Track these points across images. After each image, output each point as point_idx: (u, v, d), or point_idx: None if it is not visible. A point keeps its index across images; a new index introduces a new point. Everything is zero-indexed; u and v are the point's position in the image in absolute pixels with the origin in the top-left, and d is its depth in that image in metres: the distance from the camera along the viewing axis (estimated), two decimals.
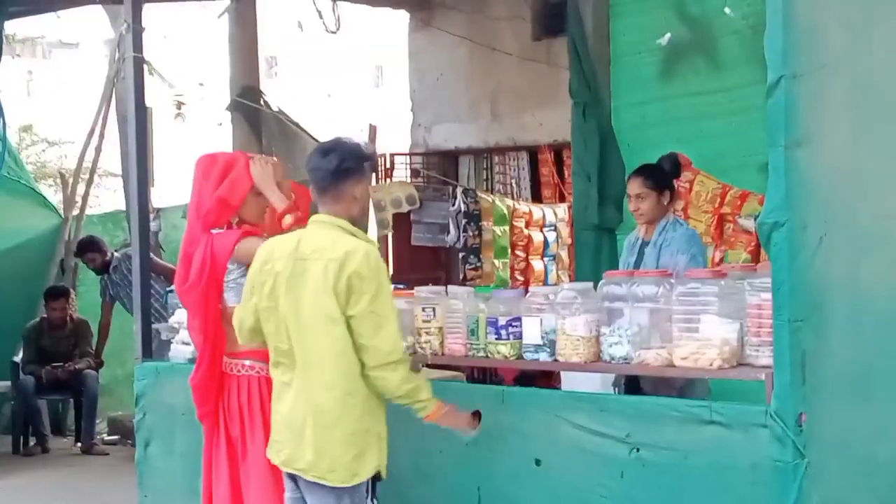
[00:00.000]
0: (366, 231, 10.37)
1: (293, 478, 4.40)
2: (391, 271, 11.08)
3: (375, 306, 4.16)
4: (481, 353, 4.71)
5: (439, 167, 11.80)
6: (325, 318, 4.19)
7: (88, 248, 10.30)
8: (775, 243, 3.68)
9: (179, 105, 13.79)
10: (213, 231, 4.98)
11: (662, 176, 5.82)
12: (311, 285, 4.22)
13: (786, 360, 3.68)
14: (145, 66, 6.59)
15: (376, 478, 4.30)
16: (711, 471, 3.94)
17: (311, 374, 4.26)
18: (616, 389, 5.71)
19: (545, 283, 11.10)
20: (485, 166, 12.01)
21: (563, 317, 4.44)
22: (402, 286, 5.36)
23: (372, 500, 4.32)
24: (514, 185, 11.98)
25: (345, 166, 4.33)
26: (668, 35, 7.21)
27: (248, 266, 4.57)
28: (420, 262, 11.16)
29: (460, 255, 11.09)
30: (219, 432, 5.06)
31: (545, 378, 8.06)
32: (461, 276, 10.90)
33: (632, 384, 5.55)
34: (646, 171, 5.84)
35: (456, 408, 4.41)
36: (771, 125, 3.70)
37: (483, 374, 7.57)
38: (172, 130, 12.44)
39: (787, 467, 3.68)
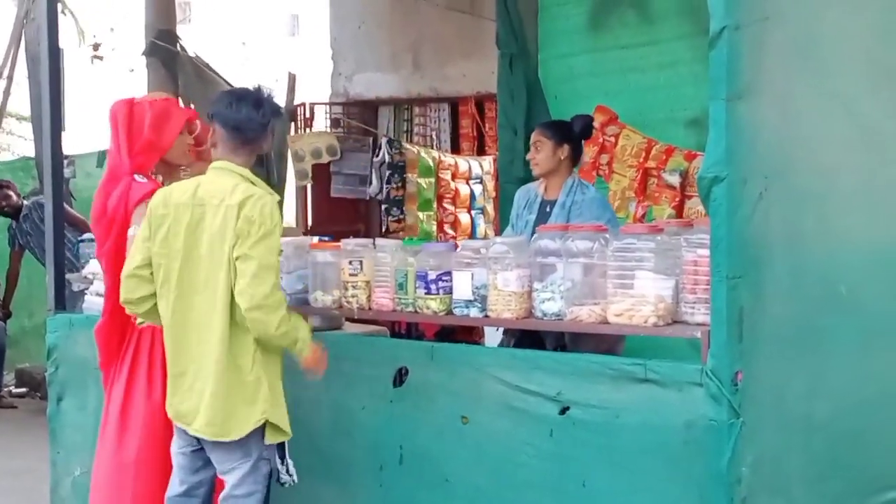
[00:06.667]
0: (283, 181, 10.21)
1: (187, 432, 4.32)
2: (310, 223, 10.91)
3: (258, 251, 4.10)
4: (410, 308, 4.58)
5: (359, 117, 11.63)
6: (220, 266, 4.15)
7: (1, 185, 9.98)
8: (715, 198, 3.59)
9: (96, 47, 13.33)
10: (136, 177, 4.86)
11: (563, 129, 5.71)
12: (207, 232, 4.18)
13: (722, 317, 3.60)
14: (59, 5, 6.32)
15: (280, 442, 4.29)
16: (644, 430, 3.85)
17: (201, 324, 4.20)
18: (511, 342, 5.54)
19: (472, 236, 11.00)
20: (405, 117, 11.84)
21: (494, 272, 4.33)
22: (326, 238, 5.22)
23: (283, 462, 4.28)
24: (434, 136, 11.83)
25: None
26: None
27: None
28: (339, 215, 10.99)
29: (382, 206, 10.90)
30: (109, 384, 4.97)
31: (467, 333, 8.00)
32: (384, 228, 10.75)
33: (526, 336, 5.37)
34: (547, 122, 5.91)
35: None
36: (713, 77, 3.60)
37: (408, 329, 7.47)
38: (85, 76, 12.08)
39: (721, 426, 3.61)
